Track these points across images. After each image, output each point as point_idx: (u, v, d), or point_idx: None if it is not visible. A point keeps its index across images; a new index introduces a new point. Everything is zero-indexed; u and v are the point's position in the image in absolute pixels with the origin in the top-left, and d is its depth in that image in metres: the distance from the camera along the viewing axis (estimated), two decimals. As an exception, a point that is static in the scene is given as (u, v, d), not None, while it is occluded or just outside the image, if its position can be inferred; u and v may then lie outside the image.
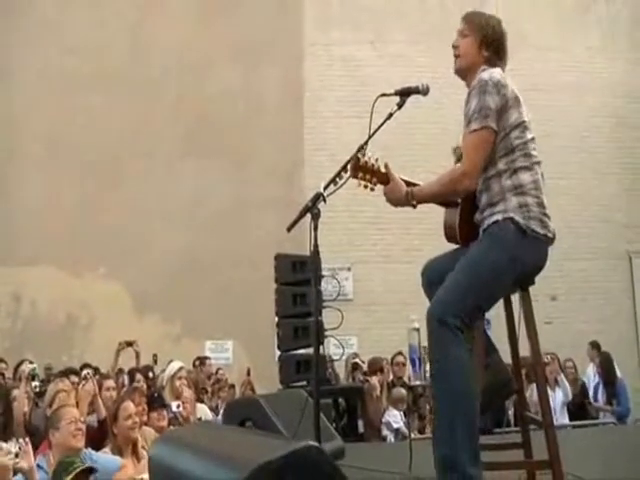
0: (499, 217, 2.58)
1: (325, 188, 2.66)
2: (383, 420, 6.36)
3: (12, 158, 10.41)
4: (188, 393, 5.21)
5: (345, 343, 7.10)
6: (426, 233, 9.10)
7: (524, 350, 2.93)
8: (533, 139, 2.68)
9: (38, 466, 3.44)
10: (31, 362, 5.86)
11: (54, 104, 10.40)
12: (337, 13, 11.06)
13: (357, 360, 7.19)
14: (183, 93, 10.59)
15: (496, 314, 2.92)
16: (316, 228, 2.61)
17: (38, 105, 10.44)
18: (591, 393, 7.71)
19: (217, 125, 10.50)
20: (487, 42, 2.78)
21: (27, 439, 3.26)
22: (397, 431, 6.26)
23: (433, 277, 2.81)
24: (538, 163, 2.67)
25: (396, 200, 2.66)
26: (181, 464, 1.85)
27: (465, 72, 2.79)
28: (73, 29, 10.58)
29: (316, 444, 1.65)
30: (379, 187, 2.70)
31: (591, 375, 8.17)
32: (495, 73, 2.67)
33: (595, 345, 8.48)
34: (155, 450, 2.07)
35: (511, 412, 6.28)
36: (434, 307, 2.49)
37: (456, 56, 2.80)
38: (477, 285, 2.50)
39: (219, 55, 10.71)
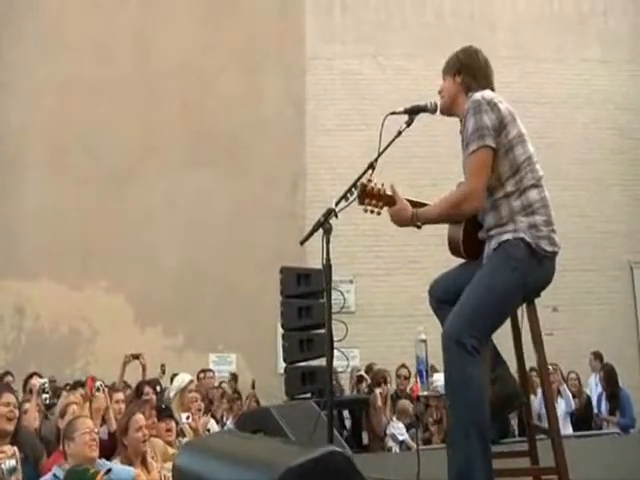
0: (509, 236, 2.62)
1: (337, 204, 2.74)
2: (388, 432, 6.39)
3: (14, 170, 10.45)
4: (198, 406, 5.26)
5: (347, 355, 7.16)
6: (427, 245, 9.17)
7: (529, 361, 3.00)
8: (533, 153, 2.72)
9: (54, 476, 3.49)
10: (40, 376, 5.92)
11: (55, 112, 10.47)
12: (338, 27, 11.18)
13: (362, 372, 7.23)
14: (186, 103, 10.66)
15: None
16: (328, 242, 2.70)
17: (39, 114, 10.52)
18: (594, 404, 7.74)
19: (219, 136, 10.58)
20: (459, 70, 2.84)
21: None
22: (402, 443, 6.30)
23: (442, 297, 2.88)
24: (542, 177, 2.71)
25: (402, 221, 2.71)
26: (208, 471, 1.89)
27: (449, 107, 2.88)
28: (76, 36, 10.66)
29: (340, 450, 1.71)
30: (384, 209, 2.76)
31: (593, 386, 8.18)
32: (487, 92, 2.72)
33: (598, 355, 8.51)
34: (180, 459, 2.11)
35: (514, 422, 6.33)
36: (451, 328, 2.55)
37: (441, 98, 2.91)
38: (491, 305, 2.57)
39: (221, 67, 10.79)
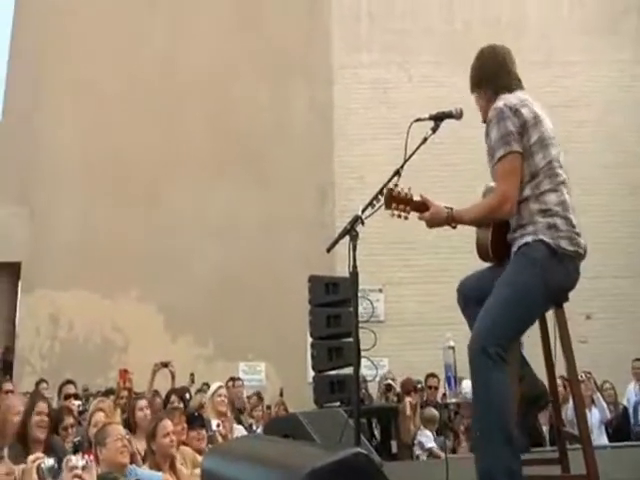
0: (529, 239, 2.64)
1: (363, 211, 2.76)
2: (415, 440, 6.37)
3: (47, 183, 10.68)
4: (227, 411, 5.31)
5: (377, 364, 7.13)
6: (455, 253, 9.11)
7: (559, 370, 2.97)
8: (559, 155, 2.72)
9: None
10: (74, 384, 6.04)
11: (87, 125, 10.70)
12: (365, 35, 11.22)
13: (390, 381, 7.20)
14: (213, 114, 10.78)
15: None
16: (355, 249, 2.71)
17: (71, 127, 10.74)
18: (631, 411, 7.55)
19: (246, 147, 10.68)
20: (484, 82, 2.87)
21: (91, 456, 3.33)
22: (430, 451, 6.27)
23: (469, 295, 2.90)
24: (564, 182, 2.70)
25: (438, 222, 2.76)
26: (234, 473, 1.93)
27: None
28: (105, 49, 10.87)
29: (365, 452, 1.72)
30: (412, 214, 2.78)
31: (632, 394, 7.96)
32: (510, 98, 2.73)
33: None
34: (207, 462, 2.14)
35: (546, 428, 6.22)
36: (476, 337, 2.57)
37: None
38: (514, 310, 2.58)
39: (248, 79, 10.90)
